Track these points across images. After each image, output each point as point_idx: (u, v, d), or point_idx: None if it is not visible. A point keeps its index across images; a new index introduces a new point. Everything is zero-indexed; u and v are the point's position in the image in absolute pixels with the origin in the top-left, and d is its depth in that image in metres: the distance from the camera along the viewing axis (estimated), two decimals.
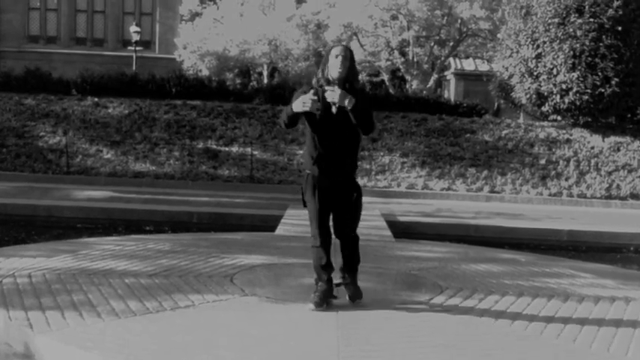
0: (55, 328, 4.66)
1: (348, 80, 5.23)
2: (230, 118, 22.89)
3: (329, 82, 5.21)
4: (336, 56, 5.18)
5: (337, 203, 5.36)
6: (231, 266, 7.09)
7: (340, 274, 5.59)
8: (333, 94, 5.05)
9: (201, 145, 21.27)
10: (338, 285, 5.57)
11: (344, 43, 37.13)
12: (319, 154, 5.26)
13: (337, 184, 5.31)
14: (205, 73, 37.69)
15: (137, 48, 37.58)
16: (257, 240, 9.28)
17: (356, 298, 5.59)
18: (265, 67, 41.48)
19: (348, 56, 5.21)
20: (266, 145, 21.35)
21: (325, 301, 5.40)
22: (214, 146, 21.28)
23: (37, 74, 24.62)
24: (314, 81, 5.33)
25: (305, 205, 5.42)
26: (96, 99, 23.41)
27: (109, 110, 22.80)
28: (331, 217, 5.45)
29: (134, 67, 34.93)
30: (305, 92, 5.13)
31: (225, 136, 21.83)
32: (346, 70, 5.19)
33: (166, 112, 22.91)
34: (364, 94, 5.36)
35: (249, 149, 20.68)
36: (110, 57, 42.08)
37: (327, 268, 5.43)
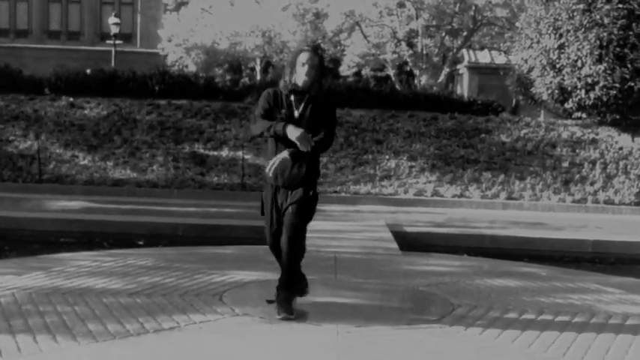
0: (27, 354, 4.68)
1: (314, 89, 5.58)
2: (219, 118, 22.93)
3: (295, 90, 5.54)
4: (303, 64, 5.50)
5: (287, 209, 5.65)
6: (221, 283, 7.11)
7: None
8: (295, 134, 5.37)
9: (187, 149, 21.31)
10: (269, 302, 5.89)
11: (345, 33, 37.20)
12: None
13: (294, 192, 5.63)
14: (192, 68, 37.80)
15: (116, 42, 37.67)
16: (249, 254, 9.30)
17: (289, 314, 5.72)
18: (258, 61, 41.58)
19: (316, 64, 5.53)
20: (259, 149, 21.38)
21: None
22: (202, 150, 21.32)
23: (5, 72, 24.66)
24: (281, 84, 5.62)
25: (263, 214, 5.82)
26: (71, 99, 23.45)
27: (86, 111, 22.84)
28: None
29: (113, 63, 35.01)
30: (271, 95, 5.58)
31: (213, 138, 21.87)
32: (312, 79, 5.53)
33: (149, 112, 22.95)
34: (330, 106, 5.75)
35: (240, 153, 20.71)
36: (87, 52, 42.22)
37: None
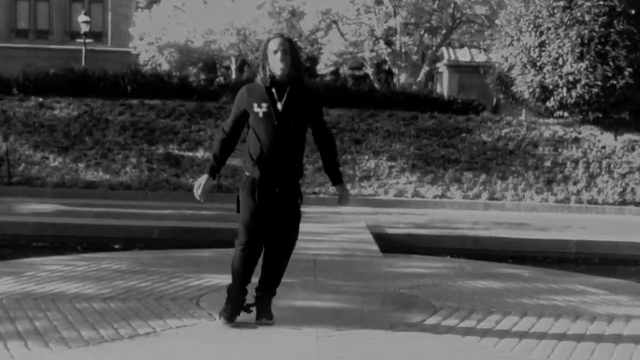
0: None
1: (294, 75, 5.42)
2: (194, 118, 22.87)
3: (273, 81, 5.37)
4: (275, 52, 5.34)
5: (277, 212, 5.47)
6: (198, 287, 7.11)
7: (254, 293, 5.74)
8: (345, 200, 5.62)
9: (161, 150, 21.23)
10: (249, 306, 5.71)
11: (322, 31, 37.26)
12: (261, 155, 5.41)
13: (281, 189, 5.45)
14: (165, 67, 37.68)
15: (87, 40, 37.48)
16: (226, 257, 9.22)
17: (268, 319, 5.68)
18: (233, 60, 41.52)
19: (288, 49, 5.36)
20: (235, 150, 21.33)
21: (237, 314, 5.61)
22: (176, 151, 21.25)
23: None
24: (258, 79, 5.47)
25: (238, 211, 5.54)
26: (40, 99, 23.29)
27: (56, 112, 22.70)
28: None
29: (84, 62, 34.82)
30: (245, 96, 5.48)
31: (188, 139, 21.81)
32: (289, 65, 5.35)
33: (121, 113, 22.84)
34: (317, 94, 5.78)
35: None
36: (56, 51, 41.95)
37: (247, 276, 5.65)
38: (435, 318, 6.13)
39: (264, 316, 5.68)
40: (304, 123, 5.49)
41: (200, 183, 5.57)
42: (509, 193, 20.00)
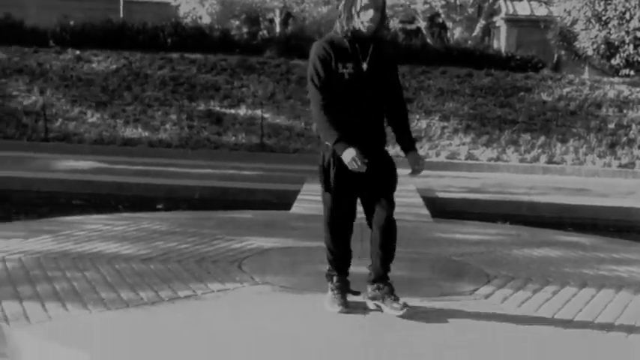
0: (35, 321, 4.75)
1: (378, 35, 5.11)
2: (236, 74, 22.91)
3: (356, 36, 4.99)
4: (367, 7, 4.92)
5: (370, 180, 5.10)
6: (239, 250, 7.17)
7: (372, 284, 5.33)
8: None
9: (202, 106, 21.34)
10: (355, 294, 5.41)
11: None
12: (349, 122, 4.99)
13: (371, 158, 5.02)
14: (206, 20, 37.55)
15: None
16: (269, 219, 9.35)
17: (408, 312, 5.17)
18: (278, 12, 41.32)
19: (380, 5, 4.99)
20: (279, 107, 21.38)
21: (347, 297, 5.35)
22: (218, 108, 21.33)
23: (7, 22, 24.70)
24: (338, 30, 5.04)
25: (327, 189, 5.13)
26: (77, 52, 23.49)
27: (94, 65, 22.90)
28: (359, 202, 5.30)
29: (122, 14, 34.91)
30: (328, 52, 4.96)
31: (230, 95, 21.88)
32: (377, 24, 4.99)
33: (161, 67, 22.97)
34: (393, 53, 5.39)
35: (259, 112, 20.72)
36: (94, 1, 42.10)
37: (348, 254, 5.40)
38: (488, 287, 6.12)
39: (401, 306, 5.17)
40: (386, 84, 5.14)
41: (354, 157, 4.86)
42: (569, 156, 19.79)
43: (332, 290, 5.35)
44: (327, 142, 5.01)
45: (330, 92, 4.97)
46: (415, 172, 5.38)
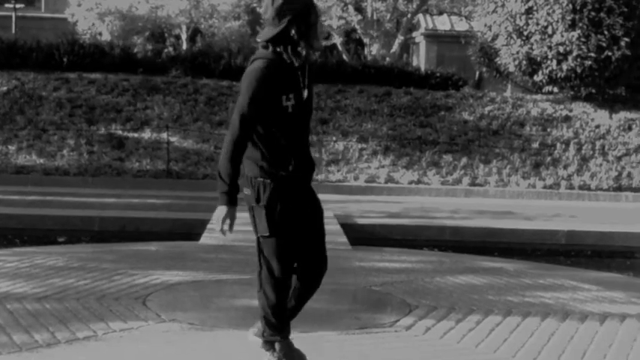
0: None
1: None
2: (139, 95, 22.72)
3: (308, 56, 4.56)
4: (315, 22, 4.53)
5: (308, 222, 4.73)
6: (144, 285, 7.09)
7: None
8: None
9: (102, 130, 21.08)
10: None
11: None
12: (287, 157, 4.59)
13: (308, 196, 4.77)
14: (107, 37, 37.27)
15: (17, 5, 36.99)
16: (177, 251, 9.27)
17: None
18: (184, 28, 41.19)
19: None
20: (186, 130, 21.26)
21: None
22: (120, 132, 21.10)
23: None
24: (290, 55, 4.47)
25: (274, 233, 4.53)
26: None
27: None
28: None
29: (13, 31, 34.40)
30: (273, 75, 4.42)
31: (133, 118, 21.67)
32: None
33: (56, 88, 22.63)
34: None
35: (164, 135, 20.57)
36: None
37: (292, 315, 4.91)
38: (409, 318, 6.18)
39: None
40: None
41: (224, 218, 4.51)
42: (492, 178, 20.13)
43: None
44: (221, 183, 4.49)
45: (255, 127, 4.48)
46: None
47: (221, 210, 4.50)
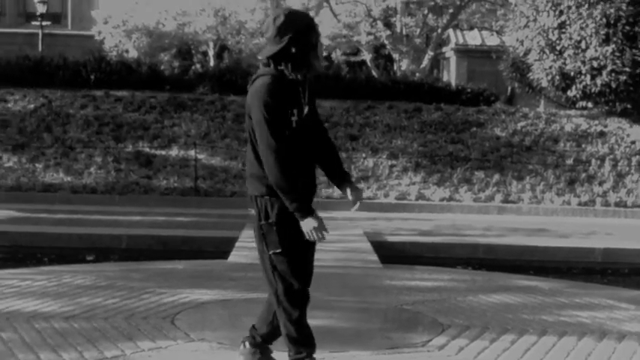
0: None
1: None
2: (166, 112, 22.85)
3: (305, 79, 4.68)
4: (318, 41, 4.66)
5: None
6: (172, 304, 7.10)
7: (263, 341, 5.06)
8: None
9: (130, 148, 21.21)
10: None
11: (312, 12, 37.32)
12: (303, 169, 4.69)
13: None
14: (133, 54, 37.61)
15: (44, 23, 37.36)
16: (205, 270, 9.28)
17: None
18: (211, 45, 41.48)
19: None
20: (214, 147, 21.34)
21: None
22: (147, 149, 21.22)
23: None
24: (290, 70, 4.58)
25: (286, 250, 4.62)
26: None
27: (9, 105, 22.65)
28: None
29: (40, 48, 34.75)
30: (285, 90, 4.55)
31: (160, 135, 21.79)
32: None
33: (83, 106, 22.81)
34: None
35: (192, 152, 20.66)
36: (9, 35, 41.84)
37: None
38: (442, 337, 6.14)
39: None
40: (316, 123, 4.85)
41: (316, 228, 4.55)
42: (526, 194, 20.04)
43: None
44: (289, 202, 4.52)
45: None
46: (357, 202, 4.98)
47: (307, 223, 4.54)
